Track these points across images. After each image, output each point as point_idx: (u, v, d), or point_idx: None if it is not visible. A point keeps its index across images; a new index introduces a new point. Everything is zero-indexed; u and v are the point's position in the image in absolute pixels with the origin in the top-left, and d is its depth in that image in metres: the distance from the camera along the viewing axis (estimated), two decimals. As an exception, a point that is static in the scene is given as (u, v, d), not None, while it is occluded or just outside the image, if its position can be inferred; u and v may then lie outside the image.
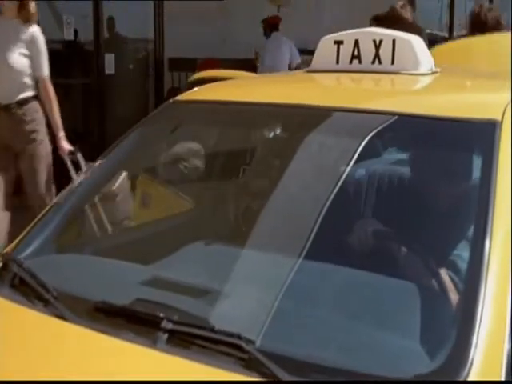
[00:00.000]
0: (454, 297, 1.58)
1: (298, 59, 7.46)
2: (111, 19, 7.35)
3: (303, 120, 2.00)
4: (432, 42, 3.09)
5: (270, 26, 7.69)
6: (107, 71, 7.18)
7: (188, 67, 7.50)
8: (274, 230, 1.88)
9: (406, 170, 2.08)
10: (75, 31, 6.91)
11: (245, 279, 1.74)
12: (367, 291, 1.65)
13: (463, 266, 1.57)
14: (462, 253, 1.64)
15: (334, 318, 1.57)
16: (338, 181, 1.91)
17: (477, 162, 1.69)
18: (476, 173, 1.67)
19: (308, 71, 2.32)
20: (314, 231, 1.73)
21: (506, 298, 1.38)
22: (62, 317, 1.57)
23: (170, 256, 1.86)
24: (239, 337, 1.39)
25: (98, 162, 2.10)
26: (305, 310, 1.59)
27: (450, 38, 11.09)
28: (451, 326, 1.39)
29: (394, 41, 2.10)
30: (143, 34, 7.93)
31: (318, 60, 2.27)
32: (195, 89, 2.39)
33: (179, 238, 1.98)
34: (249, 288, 1.69)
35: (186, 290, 1.66)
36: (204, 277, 1.74)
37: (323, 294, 1.66)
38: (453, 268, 1.64)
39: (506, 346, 1.32)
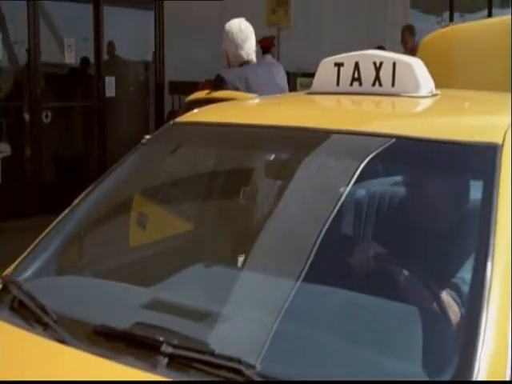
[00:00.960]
0: (455, 321, 1.57)
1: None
2: (111, 43, 7.41)
3: (303, 142, 2.00)
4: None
5: (262, 48, 7.58)
6: (108, 94, 7.22)
7: (188, 90, 7.53)
8: (273, 252, 1.88)
9: (406, 193, 2.08)
10: (76, 54, 6.96)
11: (245, 302, 1.73)
12: (368, 314, 1.64)
13: (465, 289, 1.56)
14: (464, 276, 1.64)
15: (334, 341, 1.56)
16: (338, 202, 1.91)
17: (478, 186, 1.68)
18: (477, 196, 1.66)
19: (308, 93, 2.33)
20: (314, 253, 1.72)
21: (508, 323, 1.38)
22: (61, 340, 1.56)
23: (170, 278, 1.85)
24: (239, 361, 1.38)
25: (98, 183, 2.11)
26: (305, 334, 1.58)
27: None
28: (453, 351, 1.39)
29: (394, 63, 2.11)
30: (144, 56, 7.99)
31: (318, 82, 2.28)
32: (195, 110, 2.40)
33: (179, 260, 1.97)
34: (249, 311, 1.68)
35: (186, 313, 1.65)
36: (204, 299, 1.73)
37: (323, 316, 1.65)
38: (454, 292, 1.63)
39: (508, 371, 1.31)
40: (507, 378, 1.31)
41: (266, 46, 7.59)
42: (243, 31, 3.77)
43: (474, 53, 3.14)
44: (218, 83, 3.54)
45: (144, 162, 2.21)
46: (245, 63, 3.74)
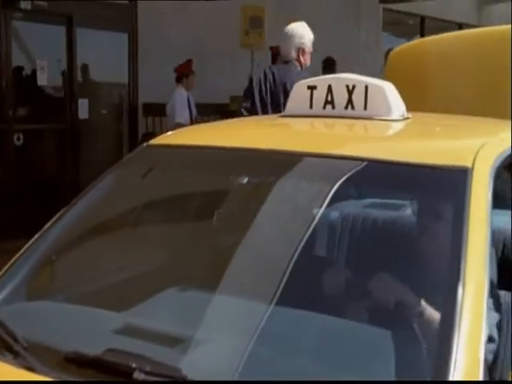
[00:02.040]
0: (427, 343, 1.57)
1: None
2: (84, 65, 7.38)
3: (276, 165, 2.01)
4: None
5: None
6: (81, 116, 7.18)
7: (162, 112, 7.54)
8: (246, 276, 1.87)
9: (377, 215, 2.09)
10: (49, 76, 6.92)
11: (218, 326, 1.72)
12: (341, 338, 1.64)
13: (435, 313, 1.56)
14: (435, 299, 1.63)
15: (306, 364, 1.55)
16: (311, 225, 1.91)
17: (448, 209, 1.70)
18: (447, 219, 1.67)
19: (282, 116, 2.34)
20: (287, 276, 1.72)
21: (479, 348, 1.38)
22: (31, 369, 1.53)
23: (143, 303, 1.83)
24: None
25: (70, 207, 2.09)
26: (278, 358, 1.57)
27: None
28: (426, 371, 1.39)
29: (366, 87, 2.13)
30: (117, 78, 7.97)
31: (291, 105, 2.29)
32: (169, 133, 2.40)
33: (152, 284, 1.95)
34: (222, 335, 1.67)
35: (159, 338, 1.64)
36: (177, 324, 1.71)
37: (296, 340, 1.64)
38: (425, 315, 1.63)
39: None
40: None
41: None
42: None
43: (443, 65, 3.20)
44: None
45: (117, 184, 2.20)
46: None
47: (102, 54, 7.46)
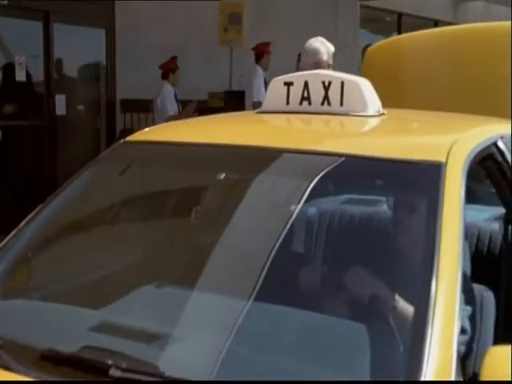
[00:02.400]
0: (402, 337, 1.58)
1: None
2: (62, 61, 7.32)
3: (253, 161, 2.01)
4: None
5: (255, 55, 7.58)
6: (58, 112, 7.11)
7: (140, 108, 7.49)
8: (224, 273, 1.87)
9: (353, 211, 2.10)
10: (27, 72, 6.84)
11: (195, 323, 1.72)
12: (318, 333, 1.65)
13: (409, 307, 1.57)
14: (409, 293, 1.65)
15: (284, 361, 1.56)
16: (289, 221, 1.91)
17: (422, 203, 1.71)
18: (422, 214, 1.69)
19: (259, 112, 2.35)
20: (265, 272, 1.72)
21: (452, 342, 1.40)
22: (7, 367, 1.51)
23: (120, 300, 1.83)
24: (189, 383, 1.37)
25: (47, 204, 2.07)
26: (256, 354, 1.57)
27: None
28: (400, 366, 1.40)
29: (342, 83, 2.14)
30: (95, 74, 7.91)
31: (268, 101, 2.30)
32: (146, 129, 2.39)
33: (129, 281, 1.94)
34: (200, 332, 1.67)
35: (136, 335, 1.63)
36: (154, 321, 1.71)
37: (274, 336, 1.65)
38: (399, 308, 1.64)
39: None
40: None
41: (259, 51, 7.62)
42: None
43: (420, 62, 3.23)
44: None
45: (93, 181, 2.18)
46: None
47: (80, 50, 7.40)
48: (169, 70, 7.20)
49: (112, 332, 1.65)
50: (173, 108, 7.05)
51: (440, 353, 1.37)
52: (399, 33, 10.98)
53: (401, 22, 11.67)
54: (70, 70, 7.54)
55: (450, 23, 12.16)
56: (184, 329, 1.68)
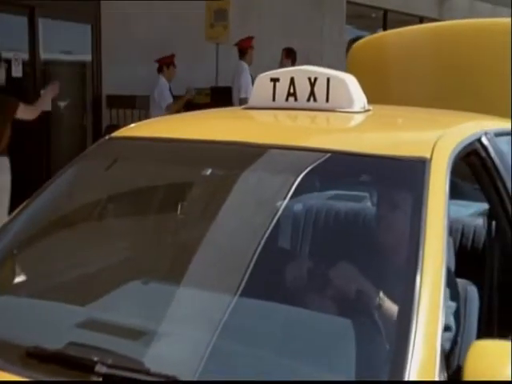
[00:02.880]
0: (386, 332, 1.59)
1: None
2: (47, 56, 7.27)
3: (240, 157, 2.01)
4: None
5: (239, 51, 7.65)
6: (44, 108, 7.05)
7: (126, 104, 7.46)
8: (210, 268, 1.87)
9: (338, 207, 2.10)
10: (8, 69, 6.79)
11: (181, 318, 1.72)
12: (303, 329, 1.66)
13: (394, 302, 1.58)
14: (393, 289, 1.66)
15: (270, 356, 1.56)
16: (275, 217, 1.92)
17: (407, 199, 1.72)
18: (406, 210, 1.70)
19: (245, 108, 2.35)
20: (251, 268, 1.73)
21: (436, 334, 1.41)
22: (-8, 364, 1.51)
23: (106, 296, 1.82)
24: (175, 379, 1.37)
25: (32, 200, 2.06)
26: (242, 350, 1.58)
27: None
28: (384, 361, 1.42)
29: (328, 79, 2.14)
30: (81, 70, 7.86)
31: (254, 97, 2.30)
32: (132, 125, 2.38)
33: (116, 277, 1.93)
34: (185, 328, 1.67)
35: (122, 332, 1.63)
36: (140, 317, 1.71)
37: (260, 332, 1.65)
38: (384, 304, 1.65)
39: (436, 379, 1.36)
40: None
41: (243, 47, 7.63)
42: None
43: (405, 58, 3.24)
44: None
45: (79, 177, 2.17)
46: None
47: (65, 46, 7.36)
48: (164, 64, 7.28)
49: (98, 329, 1.64)
50: (169, 99, 7.18)
51: (424, 348, 1.38)
52: (385, 29, 11.01)
53: (386, 19, 11.70)
54: (56, 65, 7.48)
55: (435, 20, 12.21)
56: (170, 325, 1.68)
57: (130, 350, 1.52)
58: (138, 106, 7.43)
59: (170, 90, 7.28)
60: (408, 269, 1.53)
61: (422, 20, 11.31)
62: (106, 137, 2.21)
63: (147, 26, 7.82)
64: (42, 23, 6.98)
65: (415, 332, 1.39)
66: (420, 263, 1.49)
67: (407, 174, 1.75)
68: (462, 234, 2.50)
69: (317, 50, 9.63)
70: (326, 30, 10.02)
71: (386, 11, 11.69)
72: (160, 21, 7.97)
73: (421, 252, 1.51)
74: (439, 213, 1.62)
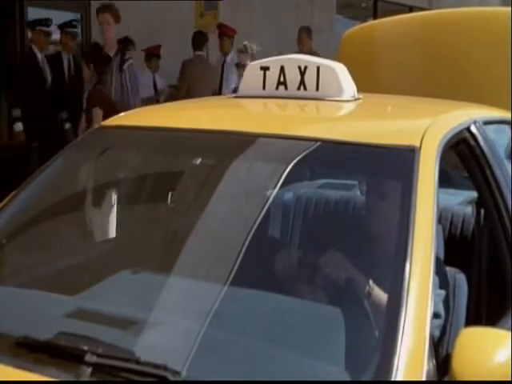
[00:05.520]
0: (376, 320, 1.60)
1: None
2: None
3: (229, 146, 2.00)
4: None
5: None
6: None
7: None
8: (200, 258, 1.87)
9: (330, 195, 2.10)
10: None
11: (171, 308, 1.71)
12: (293, 318, 1.66)
13: (384, 290, 1.59)
14: (383, 277, 1.66)
15: (259, 346, 1.57)
16: (263, 206, 1.92)
17: (397, 188, 1.72)
18: (396, 198, 1.69)
19: (235, 97, 2.34)
20: (241, 258, 1.73)
21: (426, 323, 1.42)
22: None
23: (96, 286, 1.81)
24: (165, 368, 1.37)
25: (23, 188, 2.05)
26: (231, 339, 1.58)
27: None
28: (374, 351, 1.42)
29: (318, 68, 2.14)
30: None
31: (244, 85, 2.29)
32: (122, 114, 2.36)
33: (105, 267, 1.93)
34: (175, 317, 1.67)
35: (111, 321, 1.63)
36: (130, 307, 1.70)
37: (249, 322, 1.65)
38: (373, 292, 1.65)
39: (425, 367, 1.36)
40: (424, 376, 1.35)
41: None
42: None
43: (393, 47, 3.24)
44: None
45: (69, 167, 2.16)
46: None
47: (55, 35, 7.29)
48: (151, 54, 7.26)
49: (88, 318, 1.64)
50: (149, 92, 7.04)
51: (413, 336, 1.38)
52: (375, 19, 10.99)
53: (377, 8, 11.67)
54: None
55: (425, 9, 12.18)
56: (159, 314, 1.68)
57: (119, 340, 1.52)
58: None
59: (154, 80, 7.19)
60: (397, 257, 1.53)
61: (411, 9, 11.28)
62: (96, 125, 2.19)
63: (136, 16, 7.75)
64: (30, 12, 6.92)
65: (404, 320, 1.39)
66: (409, 251, 1.49)
67: (397, 163, 1.75)
68: (451, 223, 2.51)
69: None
70: (315, 20, 9.98)
71: (376, 1, 11.66)
72: (149, 10, 7.91)
73: (410, 240, 1.51)
74: (428, 201, 1.62)
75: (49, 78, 6.33)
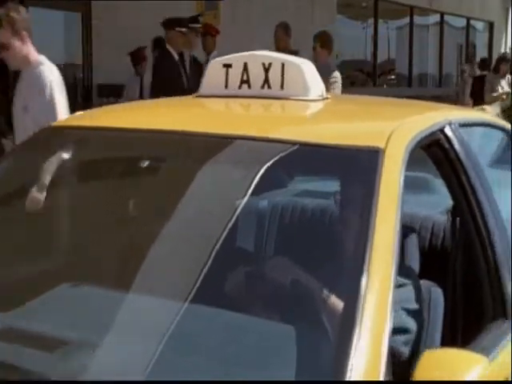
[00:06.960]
0: (331, 336, 1.47)
1: None
2: (35, 44, 7.14)
3: (187, 147, 1.88)
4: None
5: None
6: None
7: (117, 93, 7.35)
8: (156, 272, 1.74)
9: (296, 200, 1.97)
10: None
11: (116, 328, 1.58)
12: (249, 335, 1.57)
13: (339, 302, 1.47)
14: (339, 288, 1.54)
15: (216, 365, 1.47)
16: (223, 209, 1.81)
17: (359, 191, 1.59)
18: (357, 202, 1.57)
19: (197, 96, 2.20)
20: (201, 274, 1.61)
21: (382, 337, 1.31)
22: None
23: (33, 303, 1.67)
24: None
25: None
26: (184, 359, 1.48)
27: (374, 64, 11.44)
28: (327, 363, 1.34)
29: (283, 65, 2.00)
30: (71, 59, 7.78)
31: (206, 84, 2.15)
32: (78, 113, 2.23)
33: (46, 283, 1.78)
34: (121, 338, 1.54)
35: (45, 342, 1.49)
36: (68, 327, 1.57)
37: (204, 340, 1.55)
38: (328, 305, 1.53)
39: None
40: None
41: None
42: None
43: None
44: None
45: (16, 169, 2.03)
46: None
47: (56, 34, 7.26)
48: (138, 58, 7.15)
49: (16, 340, 1.50)
50: (134, 94, 6.96)
51: (368, 353, 1.28)
52: (375, 19, 10.86)
53: (377, 8, 11.56)
54: (46, 54, 7.35)
55: (425, 9, 12.09)
56: (100, 334, 1.55)
57: (44, 365, 1.38)
58: (123, 96, 7.31)
59: (141, 83, 7.09)
60: (354, 268, 1.40)
61: (412, 9, 11.18)
62: (47, 125, 2.06)
63: (137, 15, 7.71)
64: (32, 12, 6.85)
65: (359, 335, 1.29)
66: (367, 261, 1.37)
67: (359, 165, 1.63)
68: (432, 233, 2.34)
69: (307, 38, 9.48)
70: (316, 20, 9.87)
71: (376, 0, 11.55)
72: (149, 10, 7.86)
73: (368, 249, 1.39)
74: (391, 207, 1.50)
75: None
